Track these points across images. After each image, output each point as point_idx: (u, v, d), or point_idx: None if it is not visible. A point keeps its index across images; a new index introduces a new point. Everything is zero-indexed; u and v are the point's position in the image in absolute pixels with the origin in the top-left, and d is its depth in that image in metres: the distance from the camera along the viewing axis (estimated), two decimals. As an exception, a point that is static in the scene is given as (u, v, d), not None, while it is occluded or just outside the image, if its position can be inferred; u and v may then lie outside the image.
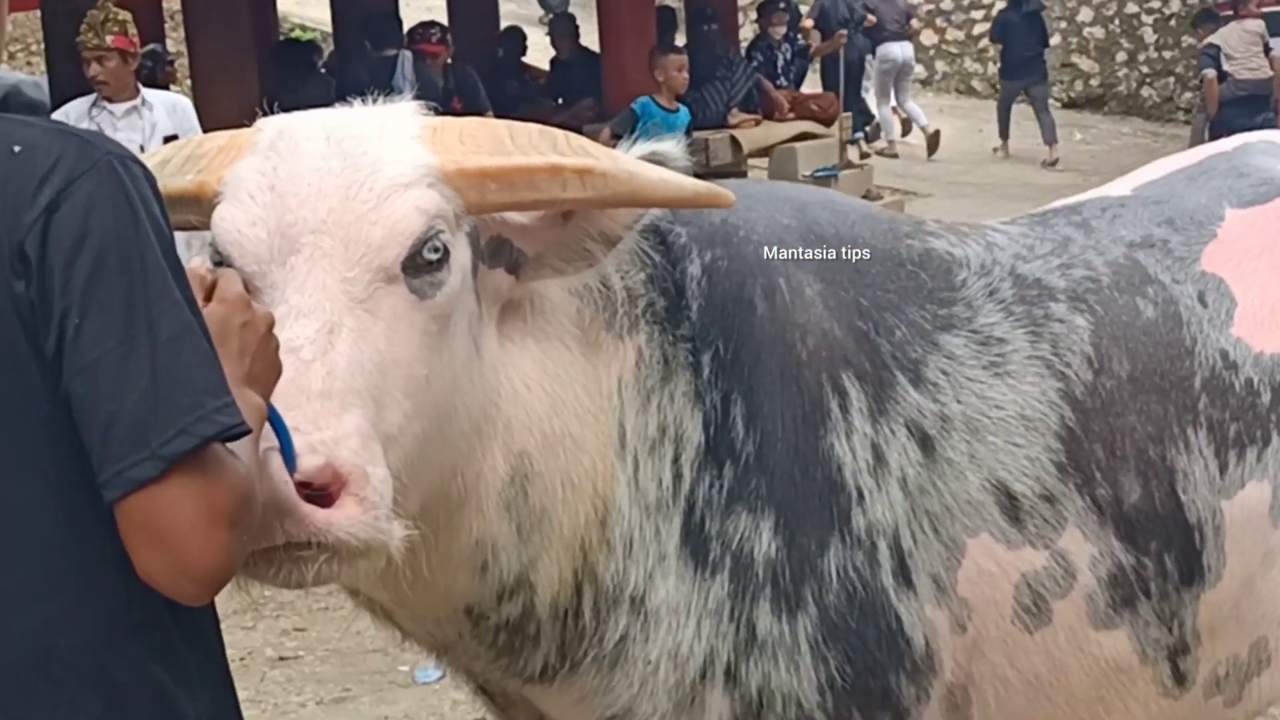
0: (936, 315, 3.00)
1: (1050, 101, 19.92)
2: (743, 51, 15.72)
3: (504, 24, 16.17)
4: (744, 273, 2.87)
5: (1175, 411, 3.08)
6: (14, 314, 1.93)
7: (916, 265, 3.05)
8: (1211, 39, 15.66)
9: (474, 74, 12.72)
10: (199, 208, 2.57)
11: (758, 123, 14.87)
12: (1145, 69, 20.83)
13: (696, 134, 11.83)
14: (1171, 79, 21.18)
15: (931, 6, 22.33)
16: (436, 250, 2.51)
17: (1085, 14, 21.04)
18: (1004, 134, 19.58)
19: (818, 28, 17.89)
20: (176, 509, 1.90)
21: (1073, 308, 3.08)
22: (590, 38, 15.72)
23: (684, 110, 10.89)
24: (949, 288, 3.04)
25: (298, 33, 19.15)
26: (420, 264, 2.50)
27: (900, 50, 19.21)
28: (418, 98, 2.78)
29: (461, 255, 2.58)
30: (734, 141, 13.27)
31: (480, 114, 2.68)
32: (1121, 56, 22.00)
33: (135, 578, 1.95)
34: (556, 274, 2.71)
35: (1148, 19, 21.62)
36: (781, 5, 16.22)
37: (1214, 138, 14.53)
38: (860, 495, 2.84)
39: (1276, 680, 3.27)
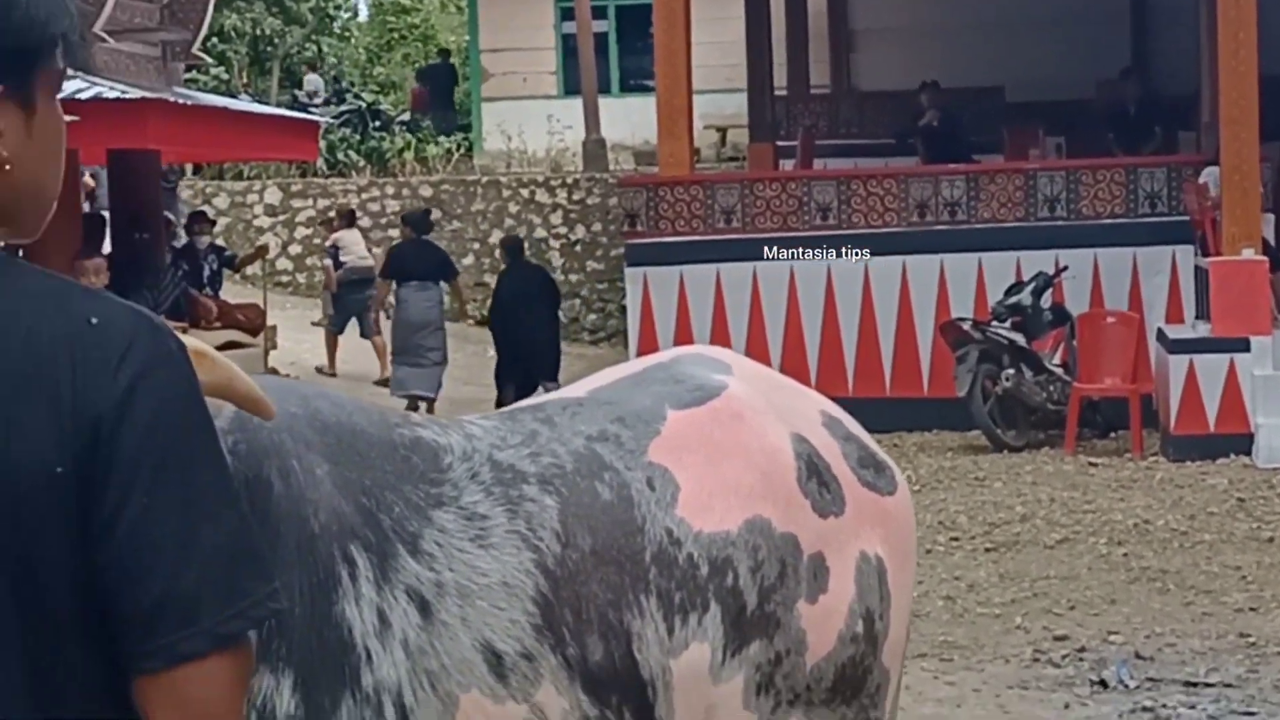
0: (429, 494, 3.39)
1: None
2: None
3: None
4: (260, 455, 3.19)
5: (630, 581, 3.55)
6: (73, 477, 1.99)
7: (409, 450, 3.43)
8: (334, 238, 20.35)
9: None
10: None
11: (185, 330, 15.05)
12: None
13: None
14: (578, 300, 22.43)
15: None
16: None
17: (497, 236, 22.06)
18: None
19: None
20: (214, 683, 2.00)
21: (543, 489, 3.53)
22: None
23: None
24: (437, 470, 3.44)
25: None
26: None
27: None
28: None
29: None
30: (161, 348, 13.35)
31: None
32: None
33: None
34: None
35: (554, 244, 22.87)
36: (210, 217, 16.49)
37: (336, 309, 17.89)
38: (369, 656, 3.17)
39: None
